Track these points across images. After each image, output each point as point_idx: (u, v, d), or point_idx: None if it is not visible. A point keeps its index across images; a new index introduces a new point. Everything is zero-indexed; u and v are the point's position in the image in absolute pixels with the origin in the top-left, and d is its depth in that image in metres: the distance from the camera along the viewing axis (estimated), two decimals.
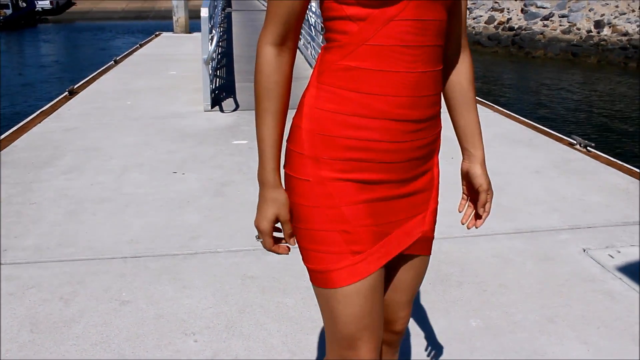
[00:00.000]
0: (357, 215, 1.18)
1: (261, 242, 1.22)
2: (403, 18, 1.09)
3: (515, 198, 3.80)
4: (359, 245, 1.18)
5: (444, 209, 3.58)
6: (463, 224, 1.39)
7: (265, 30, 1.14)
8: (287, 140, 1.22)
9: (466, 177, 1.38)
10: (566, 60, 18.55)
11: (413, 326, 2.35)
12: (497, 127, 5.75)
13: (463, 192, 1.41)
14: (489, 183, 1.35)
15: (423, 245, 1.31)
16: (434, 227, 1.32)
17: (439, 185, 1.32)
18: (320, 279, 1.20)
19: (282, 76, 1.15)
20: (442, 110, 1.25)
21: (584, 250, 3.05)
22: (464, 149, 1.38)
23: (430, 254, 1.35)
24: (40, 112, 5.99)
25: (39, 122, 5.56)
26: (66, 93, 6.94)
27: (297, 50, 1.25)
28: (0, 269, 2.75)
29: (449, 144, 5.00)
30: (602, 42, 18.23)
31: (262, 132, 1.16)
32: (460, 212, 1.41)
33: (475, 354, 2.19)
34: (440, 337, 2.29)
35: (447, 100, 1.36)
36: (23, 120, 5.70)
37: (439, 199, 1.33)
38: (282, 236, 1.24)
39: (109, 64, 9.53)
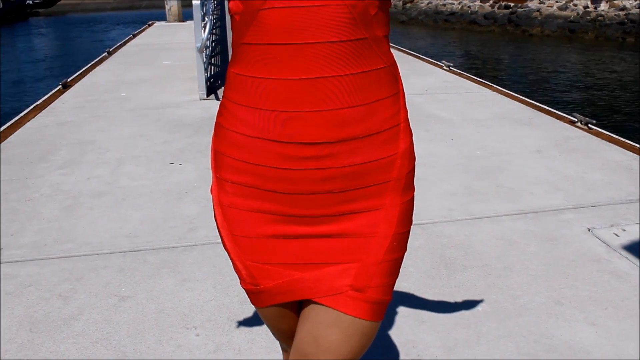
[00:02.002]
0: (252, 249, 1.02)
1: None
2: (272, 6, 0.84)
3: (516, 178, 3.75)
4: (253, 279, 1.05)
5: (445, 191, 3.57)
6: None
7: None
8: None
9: None
10: (563, 37, 18.43)
11: (418, 313, 2.32)
12: (496, 107, 5.68)
13: None
14: None
15: (355, 305, 1.01)
16: (380, 286, 1.02)
17: (395, 234, 1.02)
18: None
19: None
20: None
21: (589, 230, 3.00)
22: None
23: (370, 318, 1.03)
24: (34, 107, 5.92)
25: (33, 117, 5.49)
26: (59, 86, 6.86)
27: None
28: None
29: (445, 125, 4.96)
30: (599, 18, 18.10)
31: None
32: None
33: (482, 339, 2.16)
34: (446, 323, 2.25)
35: None
36: (17, 115, 5.64)
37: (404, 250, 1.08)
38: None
39: (102, 56, 9.44)
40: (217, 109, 1.04)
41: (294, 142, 0.90)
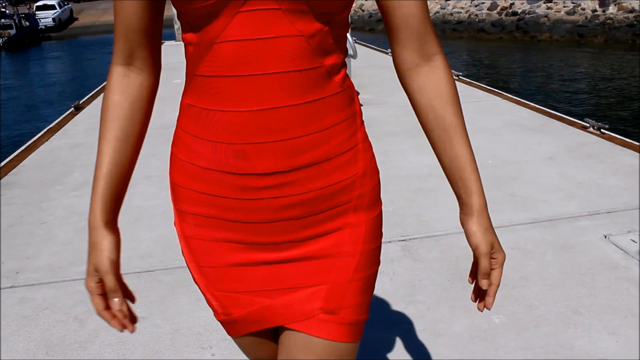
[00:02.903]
0: (217, 280, 1.01)
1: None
2: (226, 39, 0.83)
3: (530, 187, 3.72)
4: (224, 309, 1.03)
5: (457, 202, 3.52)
6: (474, 302, 1.06)
7: (113, 49, 0.97)
8: None
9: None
10: (572, 41, 18.35)
11: (434, 326, 2.29)
12: (507, 115, 5.66)
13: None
14: (492, 243, 0.97)
15: (328, 328, 0.98)
16: (354, 306, 0.99)
17: (360, 250, 0.99)
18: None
19: (124, 97, 0.96)
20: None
21: (605, 237, 2.97)
22: (457, 196, 1.01)
23: (345, 340, 1.00)
24: (47, 130, 5.99)
25: (46, 140, 5.56)
26: (72, 109, 6.94)
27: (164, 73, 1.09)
28: (5, 292, 2.73)
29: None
30: (608, 21, 18.01)
31: (96, 161, 0.96)
32: (470, 283, 1.05)
33: (500, 352, 2.13)
34: (463, 336, 2.23)
35: (425, 132, 1.00)
36: (31, 139, 5.71)
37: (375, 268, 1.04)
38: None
39: None
40: (173, 140, 1.01)
41: (248, 173, 0.90)
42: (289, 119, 0.87)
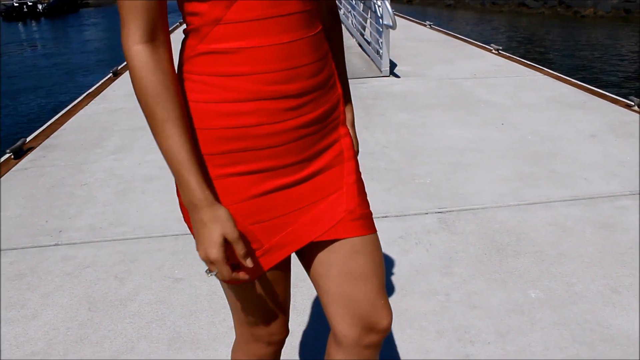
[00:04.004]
0: (247, 213, 1.07)
1: (214, 275, 1.02)
2: None
3: (570, 164, 3.65)
4: (258, 242, 1.09)
5: (496, 176, 3.50)
6: None
7: (126, 30, 0.95)
8: None
9: None
10: (618, 17, 17.75)
11: (470, 298, 2.29)
12: (548, 91, 5.53)
13: None
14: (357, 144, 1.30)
15: (356, 226, 1.15)
16: (364, 201, 1.18)
17: (356, 154, 1.21)
18: None
19: (166, 76, 0.97)
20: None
21: None
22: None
23: (373, 232, 1.18)
24: (87, 95, 6.09)
25: (86, 105, 5.65)
26: (110, 74, 7.03)
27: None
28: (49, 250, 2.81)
29: (495, 110, 4.86)
30: None
31: (170, 147, 0.97)
32: None
33: (536, 326, 2.12)
34: (499, 309, 2.22)
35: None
36: (71, 103, 5.81)
37: (360, 170, 1.22)
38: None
39: None
40: (183, 89, 1.03)
41: (282, 96, 1.02)
42: (306, 48, 1.04)
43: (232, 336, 2.11)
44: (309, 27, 1.05)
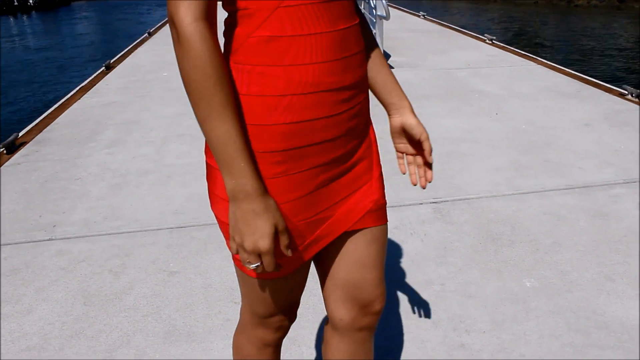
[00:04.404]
0: (297, 211, 1.04)
1: (257, 267, 0.98)
2: None
3: (564, 153, 3.65)
4: (298, 239, 1.08)
5: (491, 166, 3.50)
6: (415, 185, 1.27)
7: (180, 3, 0.86)
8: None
9: (400, 132, 1.24)
10: (611, 7, 17.75)
11: (465, 288, 2.29)
12: (542, 81, 5.53)
13: (398, 152, 1.27)
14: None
15: (378, 215, 1.18)
16: (384, 193, 1.20)
17: (377, 147, 1.20)
18: (246, 269, 1.10)
19: (222, 59, 0.90)
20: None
21: None
22: (390, 104, 1.22)
23: (387, 221, 1.22)
24: (80, 89, 6.05)
25: (79, 99, 5.61)
26: (103, 68, 6.99)
27: None
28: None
29: (489, 100, 4.86)
30: None
31: (227, 131, 0.90)
32: (404, 173, 1.30)
33: (531, 315, 2.12)
34: (494, 298, 2.22)
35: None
36: (63, 97, 5.78)
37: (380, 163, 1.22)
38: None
39: (143, 37, 9.56)
40: (236, 81, 0.97)
41: (339, 87, 0.99)
42: (354, 37, 1.02)
43: (228, 328, 2.11)
44: (353, 16, 1.03)
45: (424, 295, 2.27)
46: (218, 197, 1.05)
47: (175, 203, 3.16)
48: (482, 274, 2.38)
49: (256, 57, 0.94)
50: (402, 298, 2.26)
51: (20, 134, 4.57)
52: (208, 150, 1.03)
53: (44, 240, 2.84)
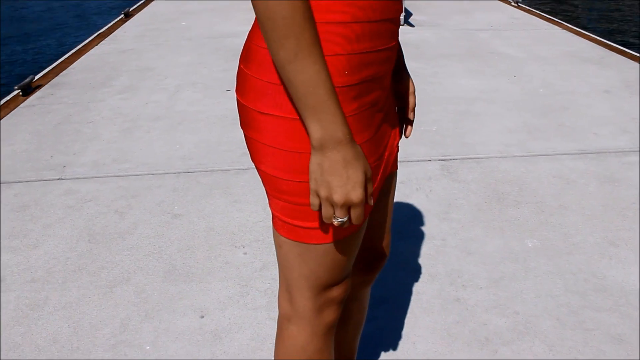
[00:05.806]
0: (372, 151, 0.97)
1: (344, 221, 0.88)
2: None
3: (580, 118, 3.58)
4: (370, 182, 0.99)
5: (504, 127, 3.46)
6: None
7: None
8: (260, 71, 0.91)
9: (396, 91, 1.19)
10: None
11: (466, 244, 2.29)
12: (565, 46, 5.39)
13: None
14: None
15: (395, 161, 1.15)
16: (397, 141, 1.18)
17: None
18: (315, 235, 0.98)
19: None
20: None
21: None
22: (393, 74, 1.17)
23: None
24: (97, 35, 6.03)
25: (96, 45, 5.60)
26: (122, 16, 6.95)
27: None
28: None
29: (509, 62, 4.76)
30: None
31: (318, 72, 0.81)
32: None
33: (530, 274, 2.12)
34: (494, 256, 2.22)
35: None
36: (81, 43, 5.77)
37: None
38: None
39: None
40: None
41: (396, 16, 0.95)
42: None
43: (226, 271, 2.14)
44: None
45: (424, 249, 2.27)
46: (270, 147, 0.94)
47: (184, 149, 3.17)
48: (485, 232, 2.38)
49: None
50: (402, 250, 2.26)
51: (37, 77, 4.58)
52: (256, 97, 0.93)
53: (54, 180, 2.88)
